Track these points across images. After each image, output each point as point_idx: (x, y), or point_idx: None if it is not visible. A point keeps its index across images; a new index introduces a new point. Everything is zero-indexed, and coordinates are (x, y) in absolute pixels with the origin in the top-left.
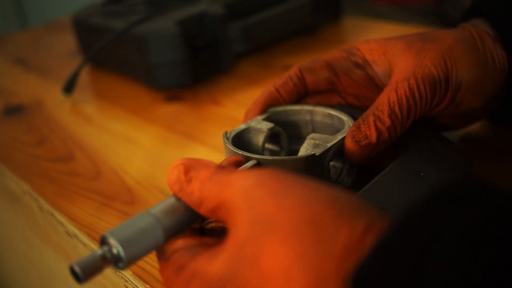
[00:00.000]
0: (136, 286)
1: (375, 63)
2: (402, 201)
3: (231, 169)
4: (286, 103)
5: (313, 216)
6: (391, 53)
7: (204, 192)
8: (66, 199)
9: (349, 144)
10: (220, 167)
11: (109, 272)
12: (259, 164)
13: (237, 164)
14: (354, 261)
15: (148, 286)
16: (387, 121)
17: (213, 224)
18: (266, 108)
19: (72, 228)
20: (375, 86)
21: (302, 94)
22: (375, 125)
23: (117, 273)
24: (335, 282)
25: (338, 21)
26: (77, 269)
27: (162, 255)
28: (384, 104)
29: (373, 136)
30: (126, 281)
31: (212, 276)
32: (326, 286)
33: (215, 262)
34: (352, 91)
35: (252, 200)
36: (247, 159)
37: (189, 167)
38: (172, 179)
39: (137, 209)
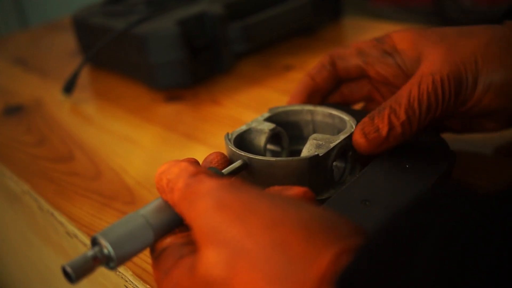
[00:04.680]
0: (136, 286)
1: (404, 52)
2: (388, 193)
3: (201, 179)
4: (324, 91)
5: (282, 239)
6: (422, 44)
7: (179, 207)
8: (66, 199)
9: (356, 135)
10: (192, 176)
11: (109, 272)
12: (246, 165)
13: (222, 159)
14: (329, 284)
15: (148, 286)
16: (402, 116)
17: None
18: (307, 98)
19: (72, 228)
20: (404, 75)
21: (337, 81)
22: (389, 118)
23: (117, 273)
24: None
25: (338, 21)
26: (68, 269)
27: (152, 253)
28: (403, 97)
29: (384, 130)
30: (126, 281)
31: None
32: None
33: (194, 275)
34: (381, 79)
35: (214, 223)
36: (249, 160)
37: (169, 175)
38: (159, 188)
39: (137, 209)
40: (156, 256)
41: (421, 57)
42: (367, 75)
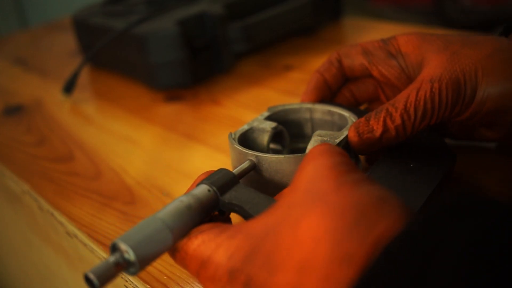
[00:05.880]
0: (136, 286)
1: (407, 56)
2: (396, 192)
3: (333, 150)
4: (333, 88)
5: (359, 204)
6: (426, 49)
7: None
8: (66, 199)
9: (351, 133)
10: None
11: None
12: (254, 166)
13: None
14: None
15: (148, 286)
16: (398, 120)
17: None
18: (319, 94)
19: (72, 228)
20: (406, 78)
21: (345, 78)
22: (384, 121)
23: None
24: (356, 266)
25: (338, 21)
26: (92, 276)
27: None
28: (400, 101)
29: (378, 132)
30: (126, 281)
31: (256, 229)
32: (348, 266)
33: (261, 218)
34: (384, 80)
35: (316, 174)
36: (257, 158)
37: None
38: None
39: (137, 209)
40: (192, 236)
41: (423, 62)
42: (371, 75)
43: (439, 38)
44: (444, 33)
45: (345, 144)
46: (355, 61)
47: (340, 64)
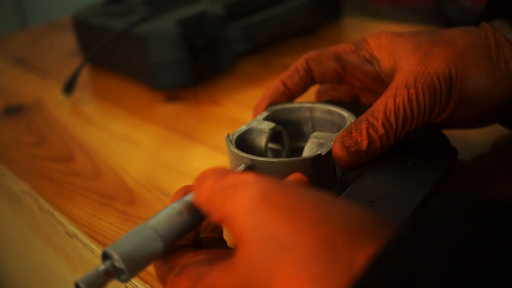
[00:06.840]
0: (136, 286)
1: (381, 60)
2: (393, 193)
3: (239, 172)
4: (294, 95)
5: (327, 237)
6: (398, 53)
7: (210, 203)
8: (66, 199)
9: (337, 149)
10: (225, 172)
11: None
12: (251, 167)
13: None
14: None
15: (148, 286)
16: (381, 130)
17: (207, 235)
18: (273, 102)
19: (72, 228)
20: (382, 82)
21: (309, 86)
22: (368, 132)
23: None
24: None
25: (338, 21)
26: (82, 285)
27: (171, 269)
28: (379, 111)
29: (364, 144)
30: None
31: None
32: None
33: (229, 278)
34: (359, 84)
35: (259, 217)
36: (252, 161)
37: (202, 173)
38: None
39: (137, 209)
40: (177, 273)
41: (396, 66)
42: (344, 80)
43: (409, 40)
44: (414, 30)
45: None
46: (328, 67)
47: (306, 72)
